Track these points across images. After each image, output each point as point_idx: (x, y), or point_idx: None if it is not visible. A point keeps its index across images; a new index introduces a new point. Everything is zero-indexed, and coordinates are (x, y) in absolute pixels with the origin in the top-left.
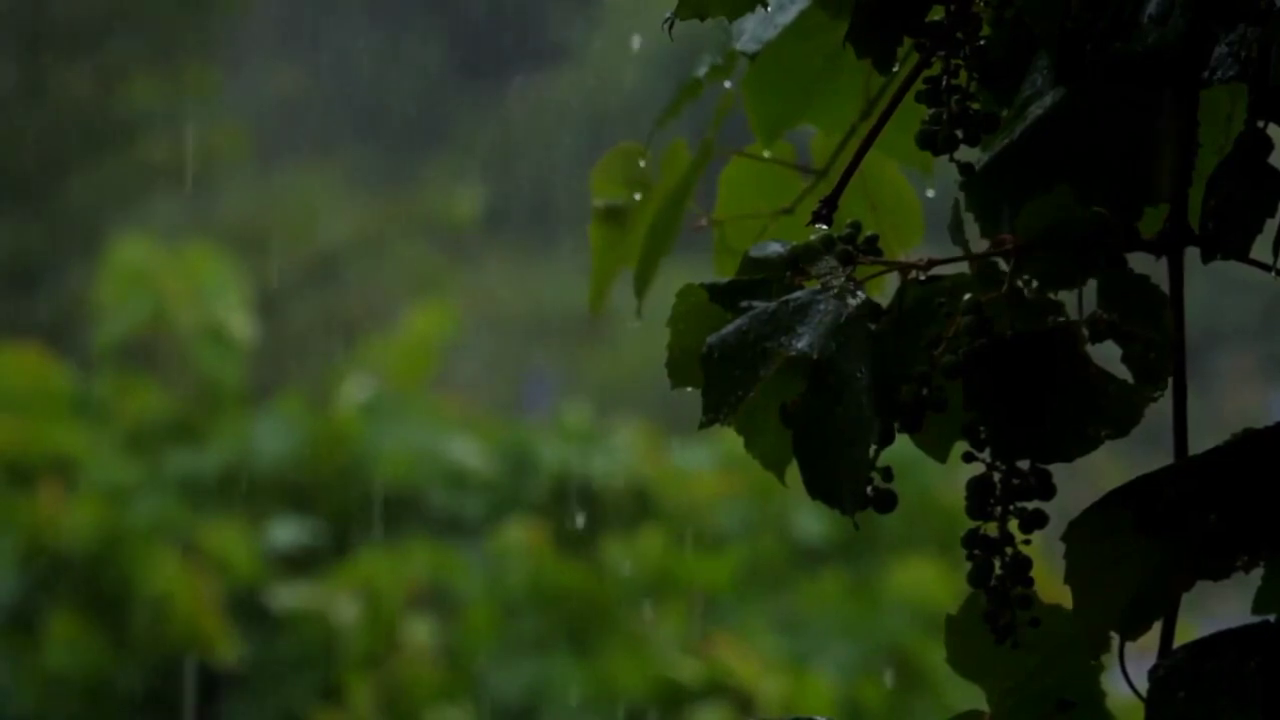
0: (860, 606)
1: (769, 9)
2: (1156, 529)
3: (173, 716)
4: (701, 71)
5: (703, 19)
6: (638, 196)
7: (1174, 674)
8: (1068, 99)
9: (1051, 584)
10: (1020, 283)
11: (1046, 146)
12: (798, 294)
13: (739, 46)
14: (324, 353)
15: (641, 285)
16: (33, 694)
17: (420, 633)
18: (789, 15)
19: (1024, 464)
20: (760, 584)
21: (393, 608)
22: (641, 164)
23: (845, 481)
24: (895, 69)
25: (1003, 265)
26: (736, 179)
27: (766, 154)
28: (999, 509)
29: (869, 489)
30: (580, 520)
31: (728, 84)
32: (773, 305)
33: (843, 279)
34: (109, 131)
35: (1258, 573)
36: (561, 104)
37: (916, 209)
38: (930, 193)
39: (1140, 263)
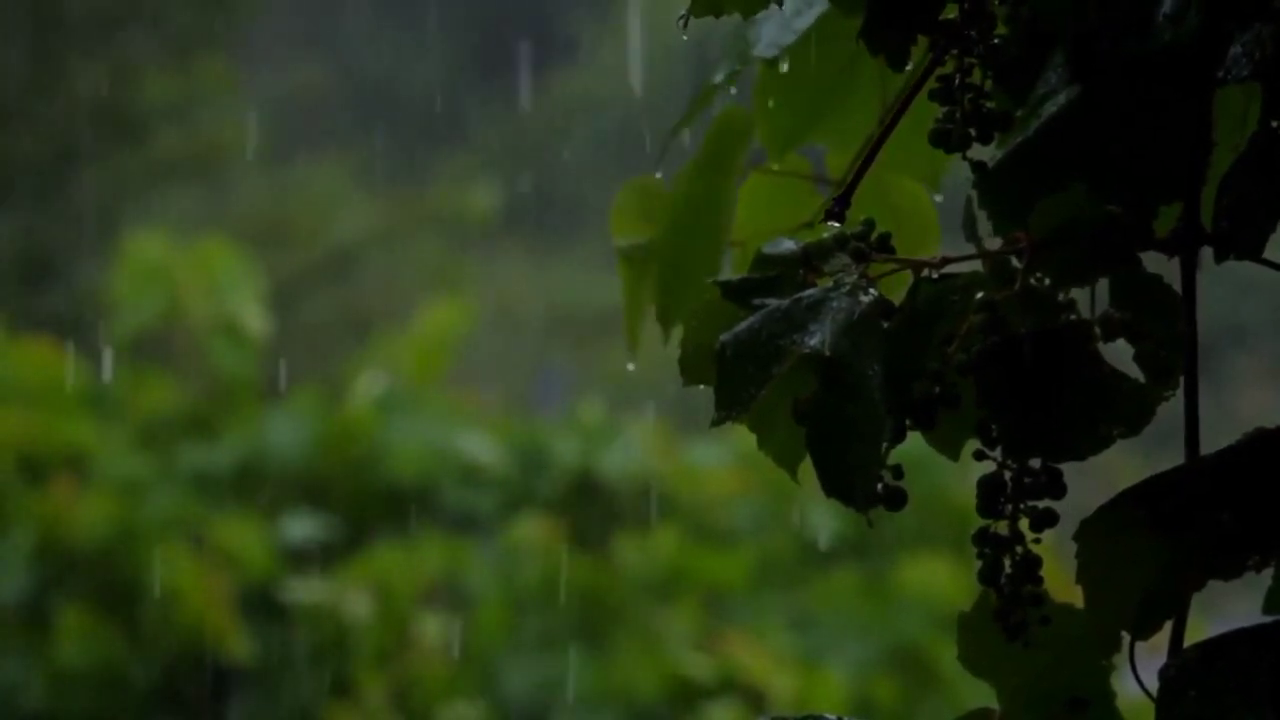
0: (872, 604)
1: (786, 13)
2: (1169, 528)
3: (184, 711)
4: (719, 78)
5: (718, 16)
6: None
7: (1184, 673)
8: (1082, 97)
9: (1064, 583)
10: (1033, 280)
11: (1060, 144)
12: (810, 291)
13: (757, 52)
14: (338, 348)
15: (664, 317)
16: (44, 688)
17: (432, 628)
18: (807, 20)
19: (1035, 462)
20: (773, 581)
21: (405, 603)
22: (658, 177)
23: (858, 479)
24: (910, 66)
25: (1016, 263)
26: (756, 196)
27: (776, 167)
28: (1010, 507)
29: (879, 486)
30: (593, 517)
31: (733, 90)
32: (786, 302)
33: (855, 276)
34: (124, 126)
35: (1269, 572)
36: (577, 100)
37: (932, 215)
38: (938, 198)
39: (1153, 262)
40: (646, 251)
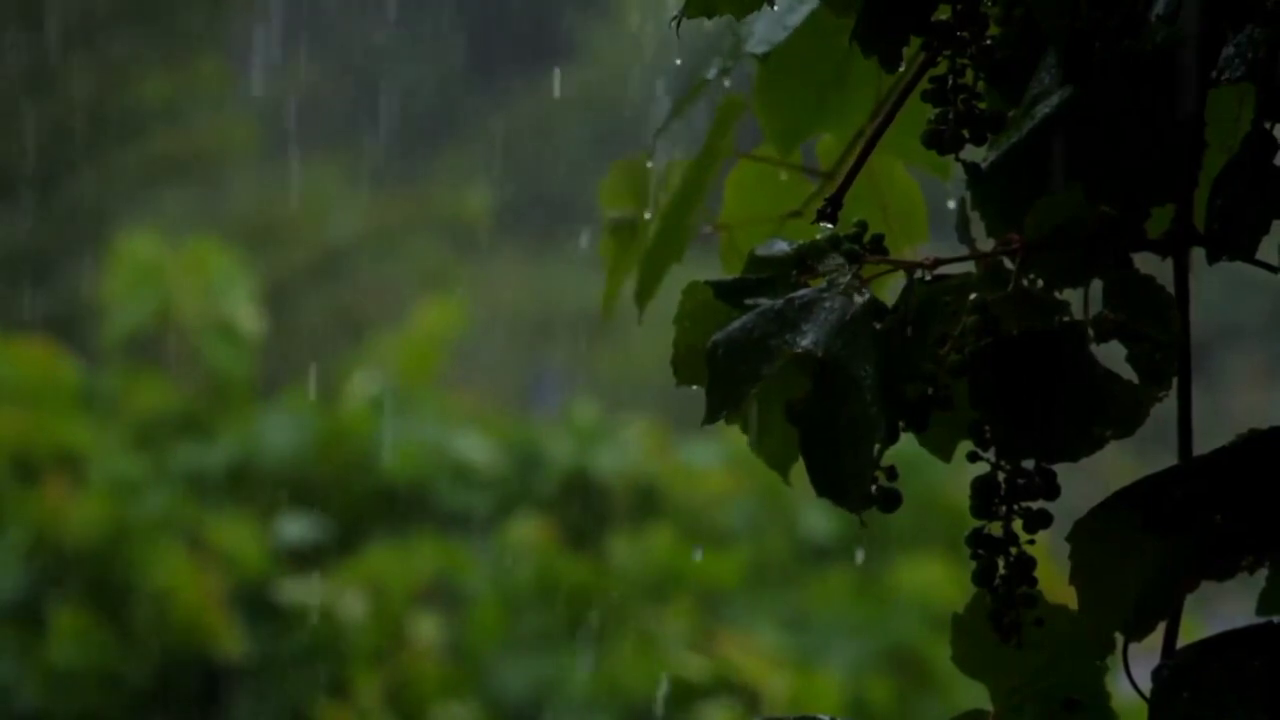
0: (867, 604)
1: (778, 10)
2: (1163, 529)
3: (178, 711)
4: (711, 74)
5: (710, 17)
6: (647, 214)
7: (1178, 674)
8: (1075, 98)
9: (1058, 584)
10: (1026, 282)
11: (1053, 146)
12: (803, 292)
13: (749, 49)
14: (333, 348)
15: (643, 292)
16: (38, 688)
17: (427, 629)
18: (798, 16)
19: (1029, 463)
20: (767, 581)
21: (400, 604)
22: (649, 166)
23: (851, 480)
24: (902, 68)
25: (1009, 264)
26: (744, 182)
27: (761, 153)
28: (1003, 509)
29: (873, 488)
30: (587, 517)
31: (726, 83)
32: (778, 303)
33: (848, 277)
34: (118, 126)
35: (1263, 573)
36: (572, 101)
37: (921, 209)
38: (950, 203)
39: (1146, 263)
40: (633, 225)
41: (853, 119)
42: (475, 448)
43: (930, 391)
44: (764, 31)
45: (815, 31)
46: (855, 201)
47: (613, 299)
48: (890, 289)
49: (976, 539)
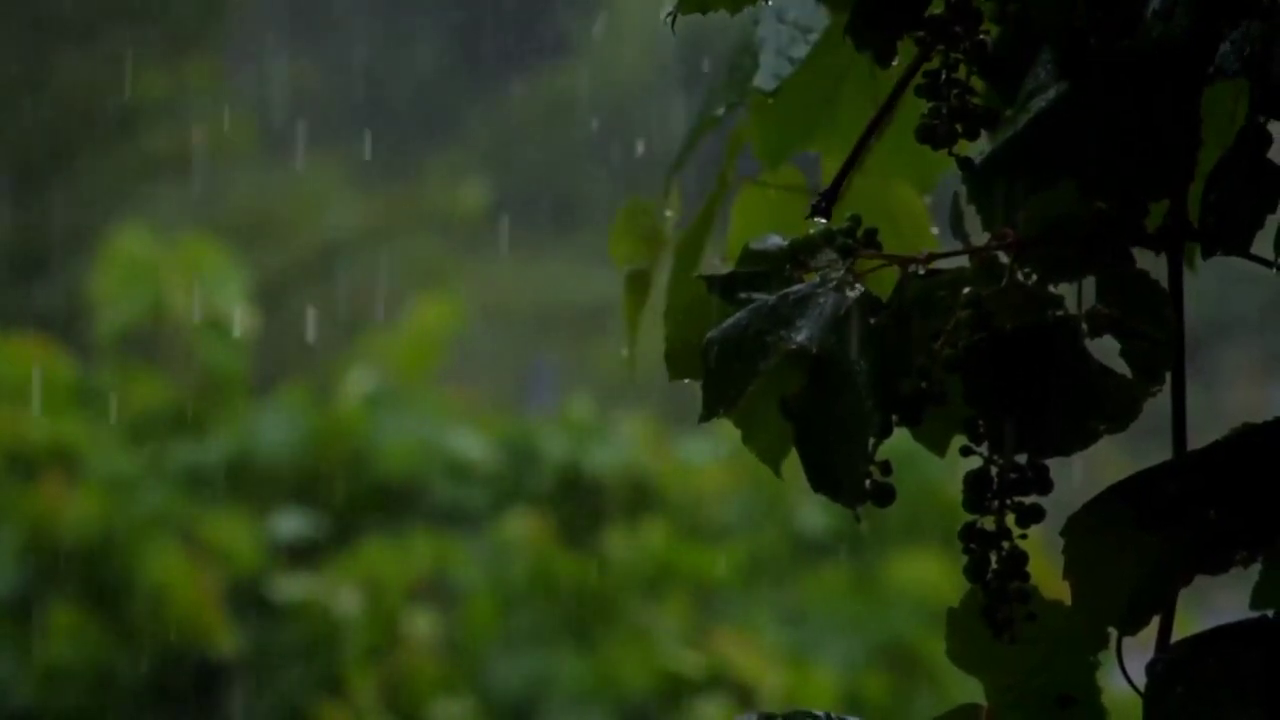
0: (862, 600)
1: (783, 42)
2: (1156, 524)
3: (174, 708)
4: (719, 111)
5: (704, 13)
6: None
7: (1173, 669)
8: (1071, 93)
9: (1053, 579)
10: (1020, 276)
11: (1049, 141)
12: (797, 287)
13: (756, 83)
14: (328, 345)
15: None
16: (33, 685)
17: (422, 624)
18: (803, 49)
19: (1022, 458)
20: (762, 577)
21: (395, 599)
22: (667, 214)
23: (845, 475)
24: (896, 62)
25: (1003, 259)
26: (749, 209)
27: (769, 180)
28: (996, 503)
29: (868, 482)
30: (582, 513)
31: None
32: (772, 299)
33: (842, 272)
34: (113, 122)
35: (1257, 567)
36: (566, 97)
37: (924, 222)
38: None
39: (1140, 258)
40: (646, 275)
41: (847, 138)
42: (470, 444)
43: (924, 386)
44: (770, 65)
45: (812, 54)
46: (863, 211)
47: (634, 349)
48: (887, 285)
49: (969, 533)
